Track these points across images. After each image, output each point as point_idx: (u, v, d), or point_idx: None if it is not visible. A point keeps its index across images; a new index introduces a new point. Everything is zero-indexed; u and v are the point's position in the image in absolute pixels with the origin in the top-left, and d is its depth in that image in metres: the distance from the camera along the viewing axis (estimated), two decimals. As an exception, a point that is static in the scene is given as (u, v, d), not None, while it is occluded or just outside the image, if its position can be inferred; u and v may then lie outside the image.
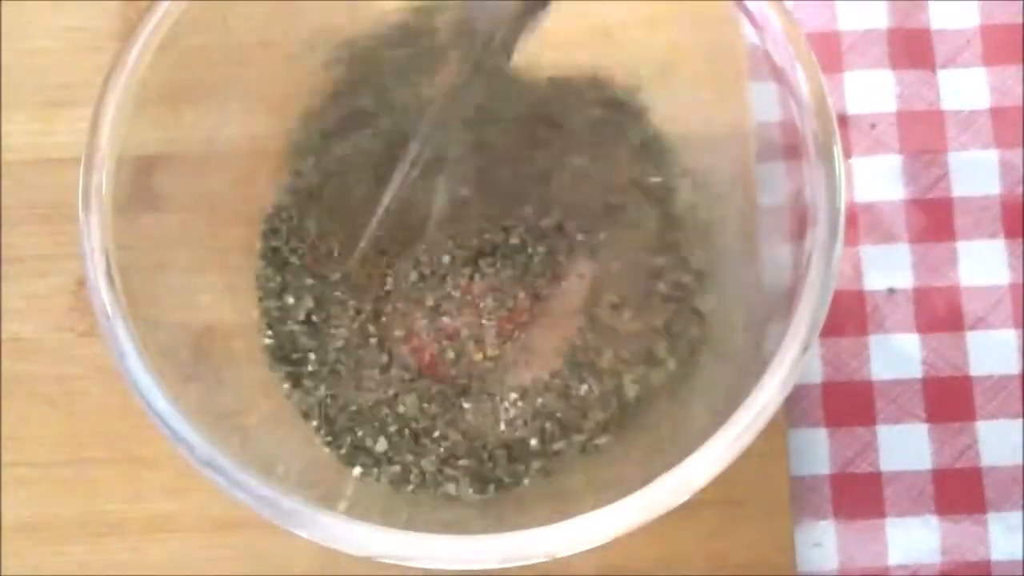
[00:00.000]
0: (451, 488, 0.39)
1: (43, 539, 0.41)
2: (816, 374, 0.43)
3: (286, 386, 0.40)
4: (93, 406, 0.42)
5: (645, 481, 0.31)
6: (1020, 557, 0.42)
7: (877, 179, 0.45)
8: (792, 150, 0.34)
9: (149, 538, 0.41)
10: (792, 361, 0.32)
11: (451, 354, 0.41)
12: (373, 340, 0.41)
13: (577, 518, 0.31)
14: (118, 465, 0.41)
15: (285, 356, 0.41)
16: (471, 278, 0.42)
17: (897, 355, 0.44)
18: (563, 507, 0.32)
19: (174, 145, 0.37)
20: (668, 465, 0.31)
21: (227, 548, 0.41)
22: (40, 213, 0.43)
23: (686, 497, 0.31)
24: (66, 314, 0.43)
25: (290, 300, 0.41)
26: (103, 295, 0.33)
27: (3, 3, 0.45)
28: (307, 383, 0.40)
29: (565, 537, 0.31)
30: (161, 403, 0.32)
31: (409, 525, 0.31)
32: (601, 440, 0.40)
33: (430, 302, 0.42)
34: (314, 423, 0.40)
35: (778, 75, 0.34)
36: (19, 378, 0.42)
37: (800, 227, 0.33)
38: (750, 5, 0.34)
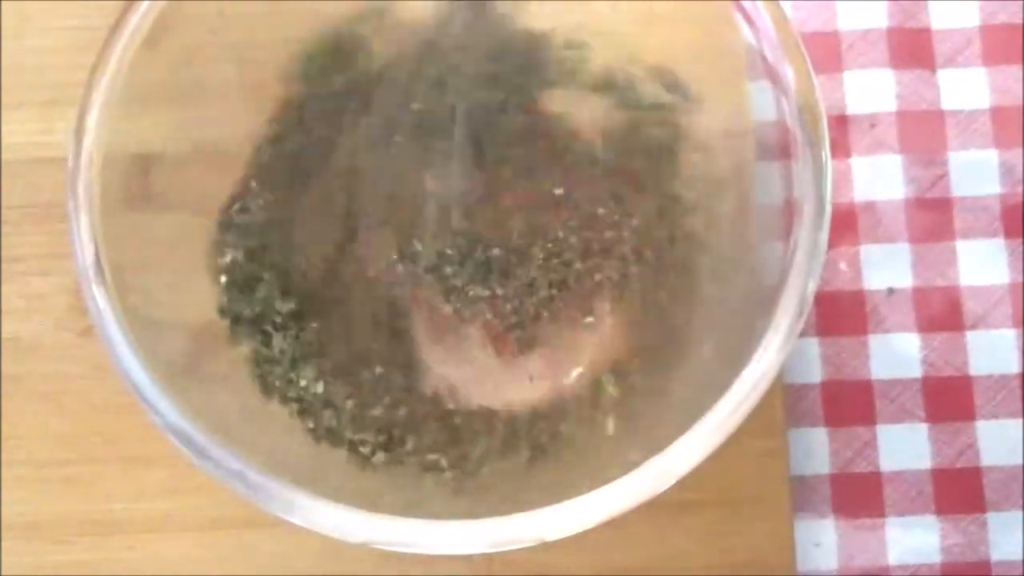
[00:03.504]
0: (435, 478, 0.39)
1: (43, 539, 0.41)
2: (816, 374, 0.43)
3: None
4: (93, 406, 0.42)
5: (634, 466, 0.31)
6: (1020, 557, 0.42)
7: (877, 179, 0.45)
8: (786, 150, 0.34)
9: (149, 538, 0.41)
10: (774, 352, 0.32)
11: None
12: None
13: (565, 503, 0.31)
14: (118, 464, 0.41)
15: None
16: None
17: (897, 355, 0.44)
18: (553, 494, 0.32)
19: (170, 143, 0.37)
20: (656, 450, 0.31)
21: (226, 547, 0.41)
22: (40, 213, 0.43)
23: (672, 482, 0.31)
24: (66, 314, 0.43)
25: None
26: (93, 288, 0.33)
27: (3, 2, 0.45)
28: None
29: (553, 521, 0.31)
30: (153, 394, 0.32)
31: (398, 513, 0.32)
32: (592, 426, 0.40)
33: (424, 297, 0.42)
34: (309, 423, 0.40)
35: (770, 72, 0.34)
36: (19, 378, 0.42)
37: (791, 225, 0.33)
38: (745, 3, 0.34)
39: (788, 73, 0.34)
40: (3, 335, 0.43)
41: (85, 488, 0.42)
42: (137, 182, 0.36)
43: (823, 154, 0.33)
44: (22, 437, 0.42)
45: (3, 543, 0.41)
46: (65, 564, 0.41)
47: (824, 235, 0.33)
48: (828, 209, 0.33)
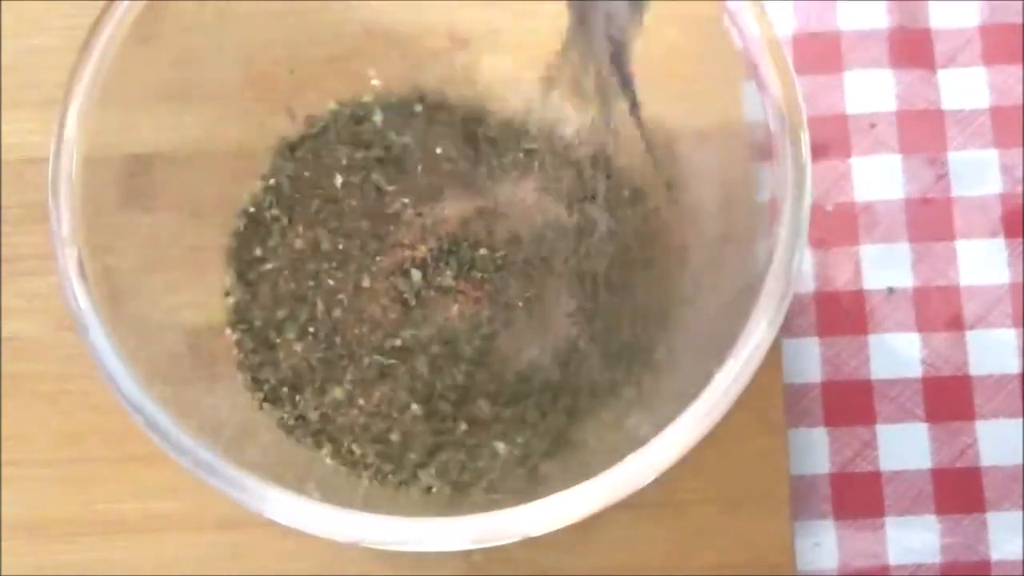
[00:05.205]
0: (425, 478, 0.39)
1: (43, 538, 0.41)
2: (816, 374, 0.43)
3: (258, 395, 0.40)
4: (92, 405, 0.42)
5: (617, 460, 0.31)
6: (1020, 557, 0.42)
7: (877, 179, 0.45)
8: (769, 149, 0.34)
9: (149, 538, 0.41)
10: (751, 350, 0.32)
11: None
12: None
13: (547, 498, 0.31)
14: (118, 464, 0.41)
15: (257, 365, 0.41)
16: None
17: (897, 355, 0.44)
18: (535, 490, 0.32)
19: (169, 143, 0.37)
20: (639, 445, 0.31)
21: (227, 548, 0.41)
22: (40, 212, 0.43)
23: (653, 476, 0.31)
24: (66, 314, 0.43)
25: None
26: (73, 286, 0.33)
27: (3, 2, 0.45)
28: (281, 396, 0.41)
29: (537, 517, 0.31)
30: (137, 395, 0.32)
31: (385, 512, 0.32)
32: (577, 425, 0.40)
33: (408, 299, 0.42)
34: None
35: (753, 72, 0.34)
36: (19, 377, 0.42)
37: (775, 223, 0.34)
38: (729, 4, 0.34)
39: (770, 73, 0.34)
40: (3, 335, 0.43)
41: (85, 487, 0.42)
42: (135, 182, 0.36)
43: (803, 153, 0.33)
44: (22, 437, 0.42)
45: (3, 543, 0.41)
46: (65, 564, 0.41)
47: (803, 232, 0.33)
48: (807, 209, 0.33)
